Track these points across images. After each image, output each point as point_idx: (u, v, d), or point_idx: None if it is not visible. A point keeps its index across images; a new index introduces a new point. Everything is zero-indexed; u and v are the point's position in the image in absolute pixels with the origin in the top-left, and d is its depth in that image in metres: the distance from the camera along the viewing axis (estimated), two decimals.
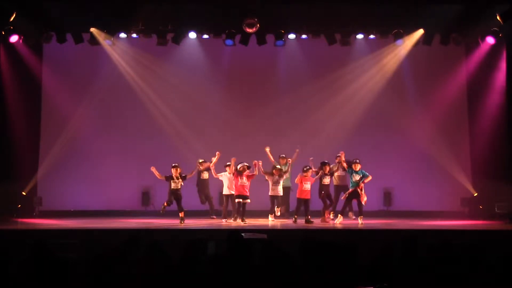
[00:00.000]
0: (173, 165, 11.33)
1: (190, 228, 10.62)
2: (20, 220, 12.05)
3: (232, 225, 10.98)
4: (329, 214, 11.74)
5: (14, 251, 5.68)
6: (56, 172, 13.70)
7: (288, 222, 11.41)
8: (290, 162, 12.19)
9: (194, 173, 11.86)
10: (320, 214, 11.86)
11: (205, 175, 12.44)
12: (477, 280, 4.69)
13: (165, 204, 11.26)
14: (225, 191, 11.88)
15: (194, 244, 5.26)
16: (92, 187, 13.79)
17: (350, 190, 11.29)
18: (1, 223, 11.01)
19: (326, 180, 11.72)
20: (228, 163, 11.65)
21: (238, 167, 11.36)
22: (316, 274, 4.49)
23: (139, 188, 13.78)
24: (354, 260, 5.02)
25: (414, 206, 13.50)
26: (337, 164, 11.88)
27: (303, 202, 11.34)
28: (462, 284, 4.61)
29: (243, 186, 11.29)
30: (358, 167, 11.26)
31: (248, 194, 11.32)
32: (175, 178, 11.23)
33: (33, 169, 13.71)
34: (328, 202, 11.75)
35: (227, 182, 11.80)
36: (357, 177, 11.22)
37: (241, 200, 11.28)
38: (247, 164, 11.39)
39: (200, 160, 12.35)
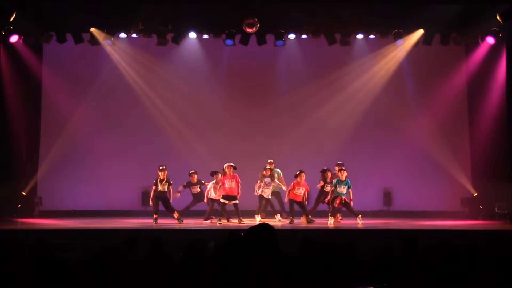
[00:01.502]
0: (160, 167, 11.34)
1: (190, 228, 10.63)
2: (20, 220, 12.05)
3: (231, 225, 10.97)
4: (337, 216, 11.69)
5: (14, 251, 5.68)
6: (56, 172, 13.70)
7: (286, 222, 11.41)
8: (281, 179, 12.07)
9: (177, 193, 11.78)
10: (319, 215, 11.89)
11: (197, 188, 12.23)
12: (477, 280, 4.69)
13: (155, 216, 11.22)
14: (211, 194, 11.73)
15: (194, 244, 5.25)
16: (92, 187, 13.79)
17: (333, 196, 11.22)
18: (1, 223, 11.02)
19: (328, 188, 11.66)
20: (216, 170, 11.65)
21: (224, 166, 11.36)
22: (316, 274, 4.49)
23: (139, 188, 13.77)
24: (354, 260, 5.02)
25: (414, 206, 13.49)
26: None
27: (296, 203, 11.34)
28: (462, 284, 4.61)
29: (231, 188, 11.30)
30: (344, 174, 11.18)
31: (236, 195, 11.32)
32: (159, 181, 11.27)
33: (33, 169, 13.73)
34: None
35: (212, 188, 11.67)
36: (342, 189, 11.15)
37: (227, 201, 11.29)
38: (233, 165, 11.38)
39: (191, 171, 12.25)
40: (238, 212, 11.30)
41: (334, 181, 11.34)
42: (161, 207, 11.45)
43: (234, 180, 11.33)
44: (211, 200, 11.67)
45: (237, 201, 11.34)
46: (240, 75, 14.23)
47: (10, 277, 4.57)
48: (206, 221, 11.53)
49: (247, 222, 11.20)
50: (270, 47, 13.19)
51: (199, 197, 12.16)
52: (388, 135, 14.00)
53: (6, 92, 13.35)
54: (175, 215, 11.32)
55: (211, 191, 11.64)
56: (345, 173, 11.22)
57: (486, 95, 13.52)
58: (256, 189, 11.69)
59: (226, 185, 11.31)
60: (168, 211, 11.43)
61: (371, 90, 13.96)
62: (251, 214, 11.82)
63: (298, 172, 11.41)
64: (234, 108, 14.12)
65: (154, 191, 11.34)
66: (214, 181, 11.63)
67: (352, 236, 9.56)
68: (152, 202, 11.39)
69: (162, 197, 11.35)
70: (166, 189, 11.34)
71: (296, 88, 14.07)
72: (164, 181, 11.30)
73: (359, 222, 10.98)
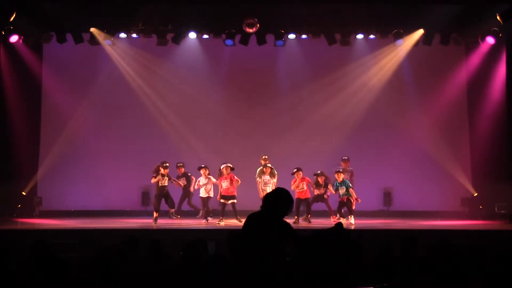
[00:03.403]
0: (165, 165, 11.42)
1: (190, 228, 10.63)
2: (20, 220, 12.06)
3: (232, 225, 10.96)
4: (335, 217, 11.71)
5: (14, 251, 5.69)
6: (56, 172, 13.70)
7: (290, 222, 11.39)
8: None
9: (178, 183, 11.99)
10: (319, 215, 11.89)
11: (184, 181, 12.27)
12: (477, 280, 4.69)
13: (156, 214, 11.24)
14: (202, 193, 11.76)
15: (194, 244, 5.26)
16: (92, 187, 13.79)
17: (339, 198, 11.36)
18: (1, 223, 11.02)
19: (318, 191, 11.69)
20: (202, 165, 11.69)
21: (221, 167, 11.34)
22: (316, 273, 4.49)
23: (139, 188, 13.77)
24: (354, 260, 5.01)
25: (414, 206, 13.48)
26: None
27: (302, 202, 11.35)
28: (462, 284, 4.61)
29: (227, 188, 11.31)
30: (341, 177, 11.29)
31: (234, 194, 11.32)
32: (161, 175, 11.34)
33: (33, 169, 13.72)
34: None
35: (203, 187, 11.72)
36: (342, 190, 11.24)
37: (225, 201, 11.27)
38: (231, 165, 11.37)
39: (179, 164, 12.29)
40: (235, 212, 11.24)
41: (334, 185, 11.40)
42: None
43: (229, 180, 11.31)
44: (202, 200, 11.69)
45: (235, 201, 11.31)
46: (240, 75, 14.23)
47: (10, 277, 4.57)
48: (203, 221, 11.51)
49: None
50: (270, 47, 13.18)
51: (186, 190, 12.20)
52: (388, 135, 13.99)
53: (6, 92, 13.35)
54: (171, 210, 11.44)
55: (201, 190, 11.66)
56: (341, 175, 11.32)
57: (486, 95, 13.52)
58: (260, 191, 11.59)
59: (223, 186, 11.31)
60: (168, 205, 11.48)
61: (371, 90, 13.95)
62: None
63: (295, 170, 11.44)
64: (234, 108, 14.11)
65: (157, 187, 11.38)
66: (202, 177, 11.63)
67: (352, 236, 9.57)
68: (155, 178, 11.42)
69: (164, 192, 11.40)
70: (166, 184, 11.44)
71: (296, 88, 14.07)
72: (165, 176, 11.41)
73: (351, 222, 10.97)
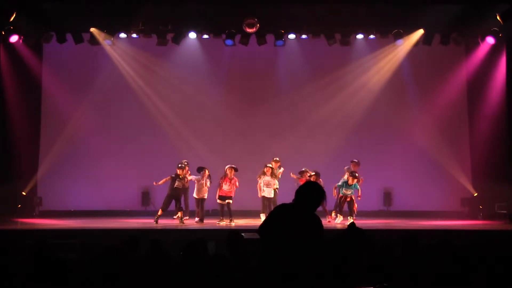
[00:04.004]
0: (179, 165, 11.32)
1: (190, 228, 10.62)
2: (20, 220, 12.05)
3: (232, 225, 10.96)
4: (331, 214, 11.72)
5: (14, 251, 5.69)
6: (56, 172, 13.70)
7: None
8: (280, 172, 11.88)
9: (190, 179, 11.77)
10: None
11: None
12: (477, 280, 4.69)
13: (159, 213, 11.13)
14: (195, 194, 11.69)
15: (194, 244, 5.26)
16: (92, 187, 13.78)
17: (340, 195, 11.38)
18: (1, 223, 11.01)
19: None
20: (202, 166, 11.62)
21: (226, 168, 11.31)
22: (316, 273, 4.49)
23: (139, 188, 13.78)
24: (354, 260, 5.01)
25: (414, 206, 13.50)
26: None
27: None
28: (462, 284, 4.61)
29: (228, 190, 11.25)
30: (354, 181, 11.24)
31: (231, 195, 11.26)
32: (181, 177, 11.23)
33: (33, 169, 13.72)
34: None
35: (196, 186, 11.64)
36: (347, 191, 11.22)
37: (222, 201, 11.24)
38: (235, 167, 11.33)
39: (184, 161, 12.25)
40: (230, 212, 11.22)
41: (340, 182, 11.37)
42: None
43: (231, 183, 11.27)
44: (195, 200, 11.64)
45: (230, 201, 11.27)
46: (240, 75, 14.23)
47: (10, 277, 4.57)
48: (201, 222, 11.49)
49: (249, 222, 11.18)
50: (270, 47, 13.18)
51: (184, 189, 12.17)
52: (388, 135, 14.00)
53: (6, 92, 13.37)
54: (180, 214, 11.27)
55: (194, 191, 11.62)
56: (355, 180, 11.27)
57: (486, 95, 13.53)
58: (258, 190, 11.58)
59: (223, 187, 11.26)
60: (176, 208, 11.34)
61: (371, 90, 13.96)
62: (252, 214, 11.81)
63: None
64: (234, 108, 14.11)
65: (170, 187, 11.23)
66: (200, 176, 11.59)
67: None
68: (163, 181, 11.33)
69: (176, 195, 11.25)
70: (181, 187, 11.29)
71: (296, 88, 14.07)
72: (179, 178, 11.23)
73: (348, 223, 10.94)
